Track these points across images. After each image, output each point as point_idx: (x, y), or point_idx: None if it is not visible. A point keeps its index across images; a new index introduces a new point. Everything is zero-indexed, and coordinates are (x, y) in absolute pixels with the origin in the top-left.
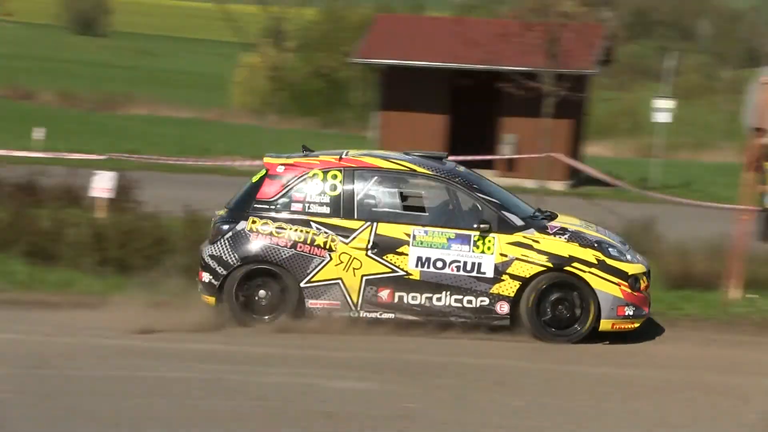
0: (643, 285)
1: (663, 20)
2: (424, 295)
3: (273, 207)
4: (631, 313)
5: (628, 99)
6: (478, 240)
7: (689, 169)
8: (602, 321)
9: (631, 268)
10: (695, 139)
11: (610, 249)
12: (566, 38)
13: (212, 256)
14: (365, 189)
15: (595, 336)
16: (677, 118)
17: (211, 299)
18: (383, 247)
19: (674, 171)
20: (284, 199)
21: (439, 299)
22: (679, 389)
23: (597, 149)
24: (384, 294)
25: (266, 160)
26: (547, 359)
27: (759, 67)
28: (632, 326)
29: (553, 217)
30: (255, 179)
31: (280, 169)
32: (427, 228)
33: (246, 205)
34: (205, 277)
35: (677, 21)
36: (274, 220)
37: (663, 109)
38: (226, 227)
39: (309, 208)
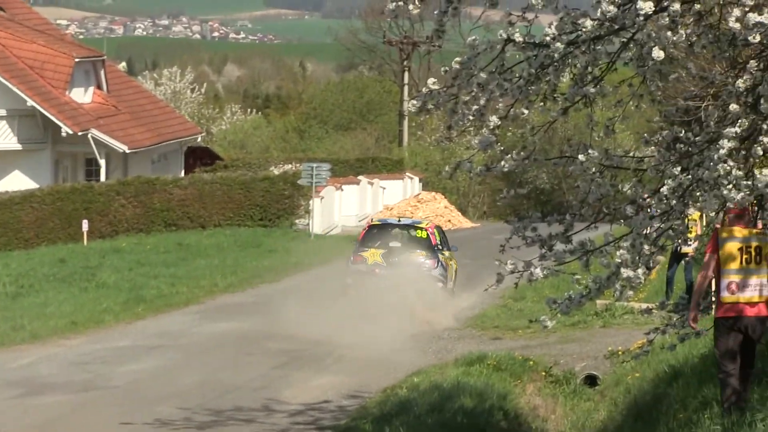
0: None
1: None
2: (449, 283)
3: (438, 247)
4: None
5: None
6: (450, 256)
7: None
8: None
9: None
10: None
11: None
12: None
13: (441, 275)
14: (442, 236)
15: None
16: None
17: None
18: (454, 260)
19: None
20: (437, 244)
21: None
22: None
23: None
24: (450, 283)
25: (424, 225)
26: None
27: None
28: None
29: None
30: (422, 235)
31: (430, 229)
32: (447, 252)
33: (431, 248)
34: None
35: None
36: (442, 253)
37: None
38: (437, 259)
39: (440, 246)
